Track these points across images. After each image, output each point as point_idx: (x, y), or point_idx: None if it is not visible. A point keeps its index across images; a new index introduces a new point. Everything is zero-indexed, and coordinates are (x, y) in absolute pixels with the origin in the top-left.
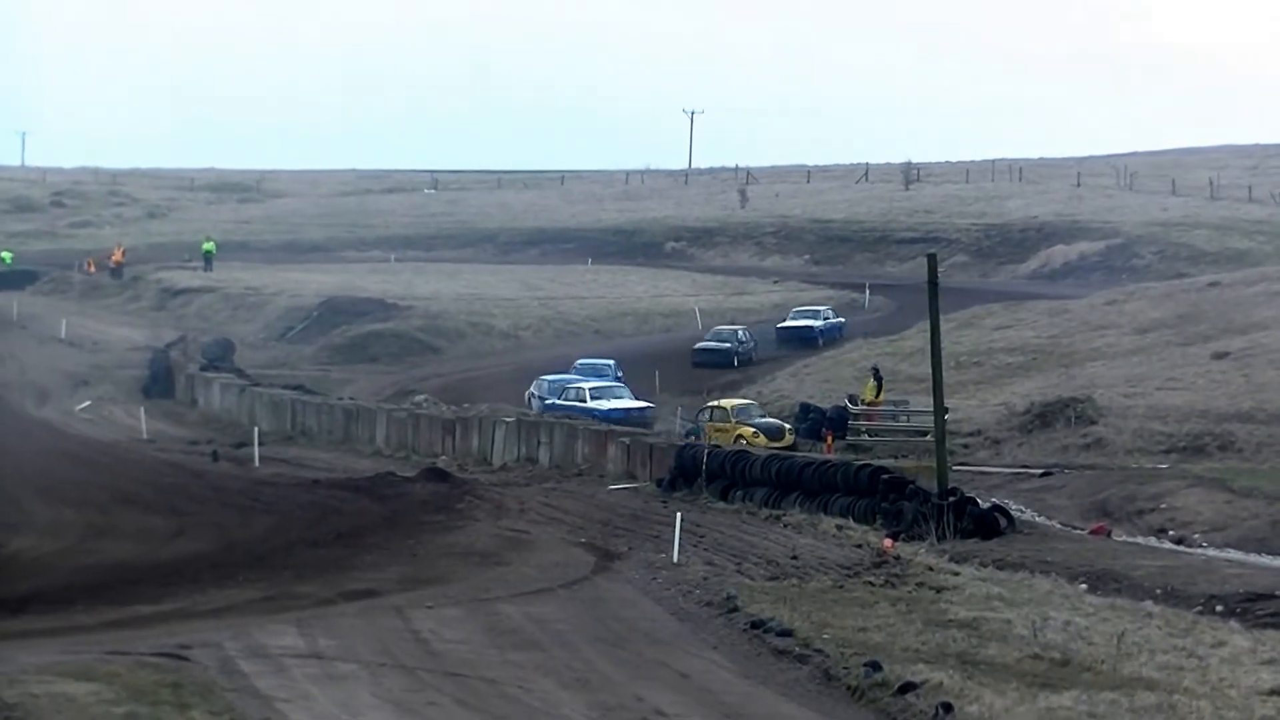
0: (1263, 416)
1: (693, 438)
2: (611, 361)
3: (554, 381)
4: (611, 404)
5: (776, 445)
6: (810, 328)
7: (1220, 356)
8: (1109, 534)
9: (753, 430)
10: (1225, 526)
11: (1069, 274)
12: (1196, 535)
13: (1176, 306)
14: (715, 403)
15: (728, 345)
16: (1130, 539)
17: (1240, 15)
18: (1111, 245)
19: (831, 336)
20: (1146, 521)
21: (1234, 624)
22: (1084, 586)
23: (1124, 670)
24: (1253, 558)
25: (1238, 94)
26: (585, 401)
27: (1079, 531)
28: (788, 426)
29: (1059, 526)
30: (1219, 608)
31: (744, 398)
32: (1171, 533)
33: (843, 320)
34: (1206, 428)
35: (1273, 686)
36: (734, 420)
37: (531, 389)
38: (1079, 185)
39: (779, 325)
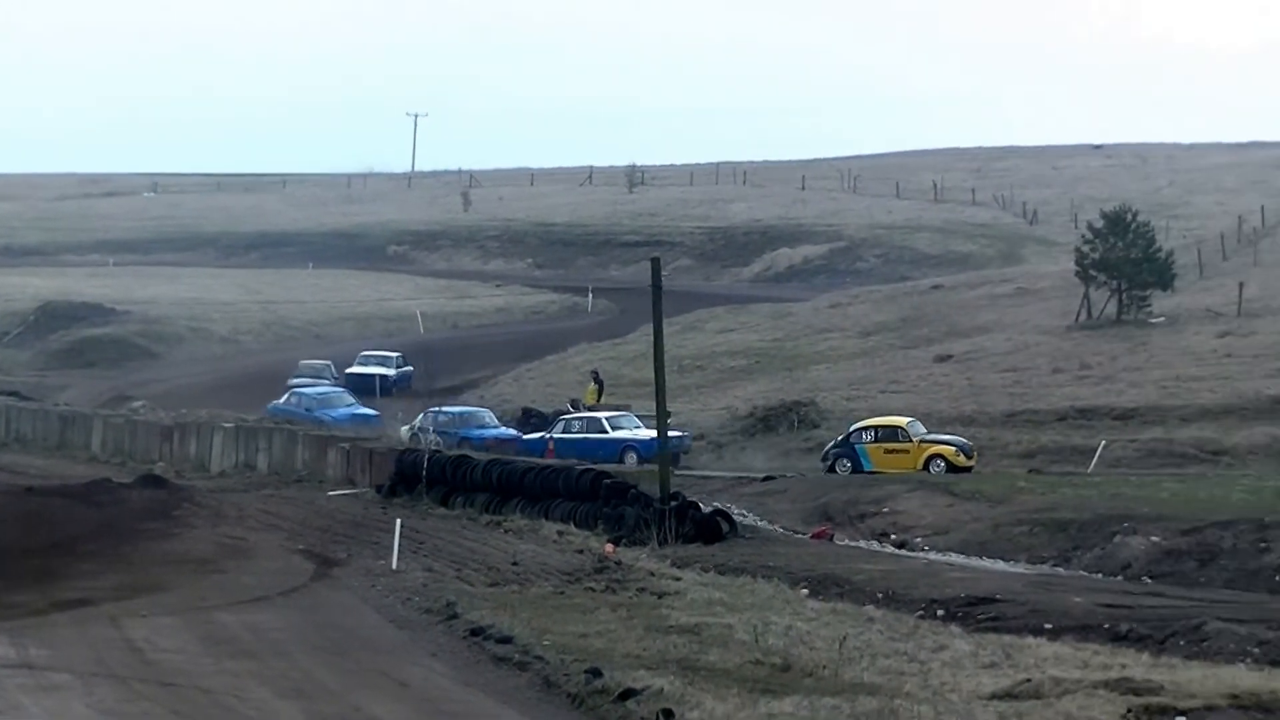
0: (984, 420)
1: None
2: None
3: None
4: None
5: (967, 465)
6: (382, 376)
7: (943, 359)
8: (831, 538)
9: (954, 449)
10: (947, 530)
11: (793, 277)
12: (919, 539)
13: (899, 309)
14: (873, 421)
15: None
16: (852, 543)
17: (962, 19)
18: (835, 248)
19: (403, 385)
20: (869, 525)
21: (955, 628)
22: (806, 591)
23: (846, 675)
24: (974, 561)
25: (960, 97)
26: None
27: (801, 536)
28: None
29: (781, 531)
30: (940, 612)
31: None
32: (894, 537)
33: (411, 369)
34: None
35: (994, 690)
36: (916, 440)
37: (418, 421)
38: (803, 188)
39: (348, 370)
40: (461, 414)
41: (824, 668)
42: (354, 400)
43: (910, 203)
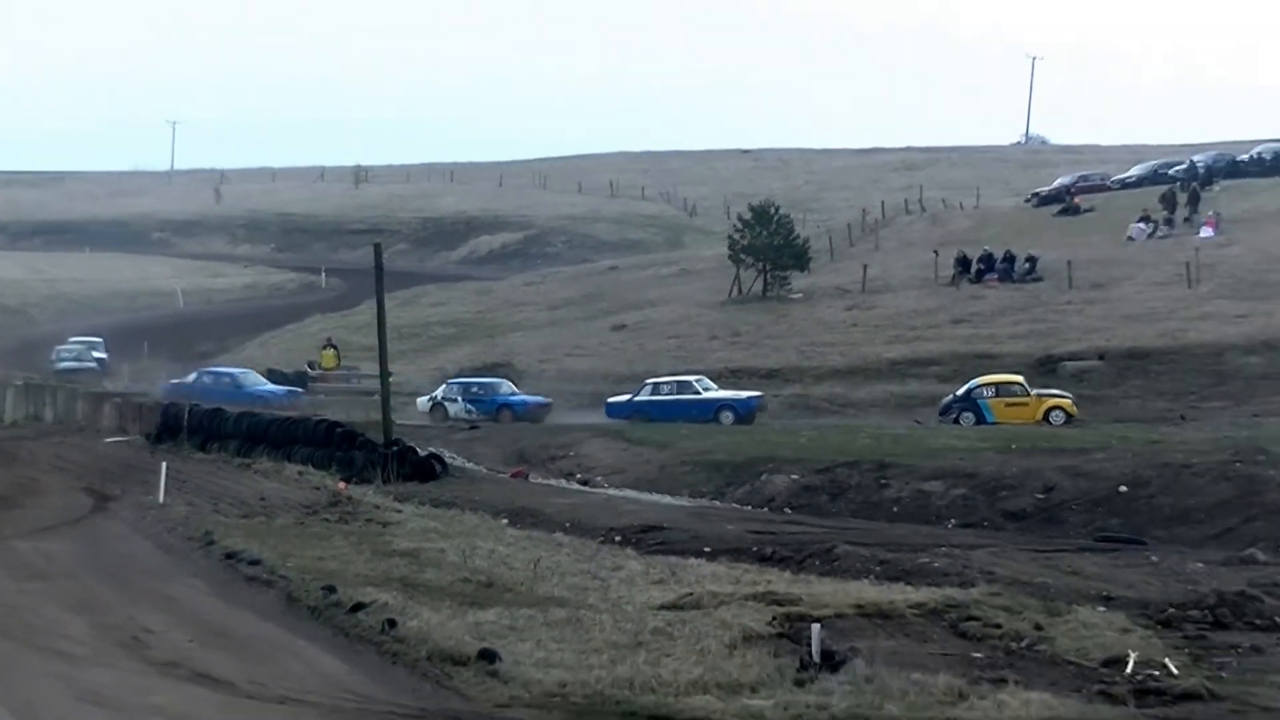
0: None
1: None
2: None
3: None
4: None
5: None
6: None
7: (618, 329)
8: (527, 477)
9: (1069, 401)
10: (623, 470)
11: (493, 260)
12: (599, 478)
13: (582, 287)
14: (993, 378)
15: (89, 364)
16: (545, 481)
17: (628, 39)
18: (529, 235)
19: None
20: (558, 466)
21: (630, 551)
22: (506, 521)
23: (540, 590)
24: (645, 496)
25: (633, 107)
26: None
27: (502, 475)
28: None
29: (485, 471)
30: (618, 538)
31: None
32: (579, 476)
33: (106, 356)
34: (608, 388)
35: (662, 602)
36: (1034, 394)
37: (439, 394)
38: (501, 185)
39: (56, 368)
40: (486, 384)
41: (521, 584)
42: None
43: (591, 198)
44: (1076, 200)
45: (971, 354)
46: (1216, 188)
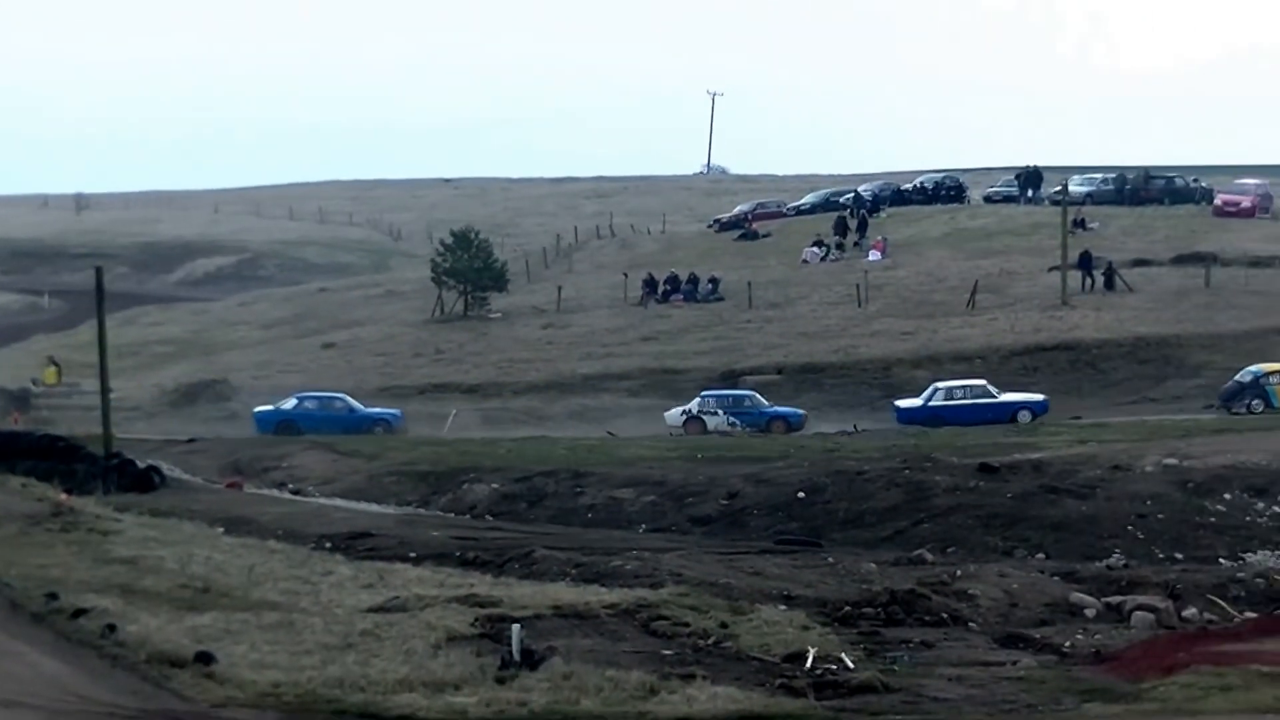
0: (361, 393)
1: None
2: None
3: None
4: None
5: None
6: None
7: (328, 346)
8: (241, 487)
9: None
10: (333, 480)
11: (209, 282)
12: (311, 488)
13: (294, 307)
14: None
15: None
16: (259, 491)
17: (337, 71)
18: (243, 259)
19: None
20: (272, 477)
21: (340, 557)
22: (221, 529)
23: (254, 595)
24: (354, 504)
25: (343, 138)
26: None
27: (218, 486)
28: None
29: (202, 482)
30: (328, 544)
31: None
32: (291, 486)
33: None
34: None
35: (370, 605)
36: None
37: (693, 407)
38: (217, 211)
39: None
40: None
41: (237, 589)
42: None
43: (302, 223)
44: (755, 226)
45: (660, 369)
46: (883, 214)
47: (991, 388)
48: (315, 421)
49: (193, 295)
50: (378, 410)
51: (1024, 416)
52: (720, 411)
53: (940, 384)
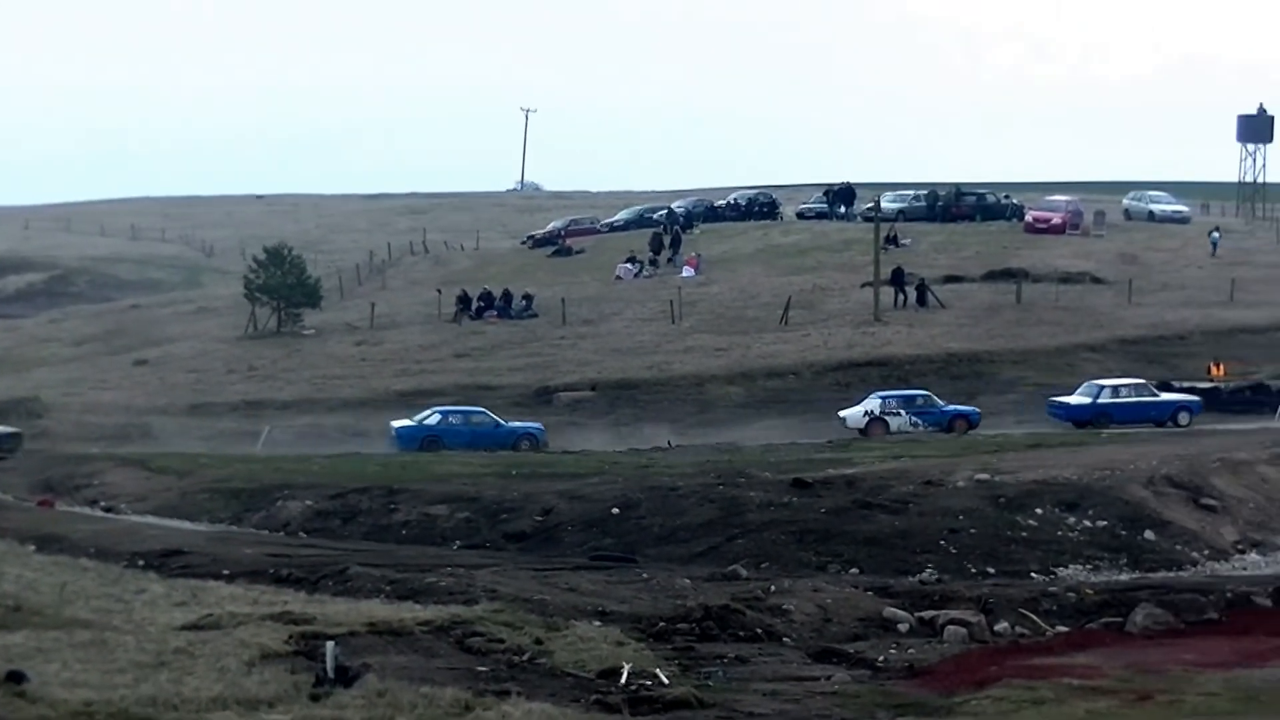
0: (174, 410)
1: None
2: None
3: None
4: None
5: None
6: None
7: (140, 363)
8: (53, 505)
9: None
10: (146, 497)
11: (20, 299)
12: (123, 505)
13: (105, 324)
14: None
15: None
16: (71, 509)
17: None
18: (54, 275)
19: None
20: (84, 495)
21: (153, 574)
22: (33, 547)
23: (66, 613)
24: (167, 522)
25: (153, 153)
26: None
27: (29, 504)
28: None
29: (13, 500)
30: (141, 562)
31: None
32: (103, 503)
33: None
34: (130, 420)
35: (184, 623)
36: None
37: (873, 408)
38: (27, 228)
39: None
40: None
41: (48, 608)
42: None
43: (113, 240)
44: (569, 243)
45: (474, 385)
46: (697, 231)
47: (1151, 386)
48: (461, 436)
49: (3, 312)
50: (522, 424)
51: (1183, 417)
52: (903, 411)
53: (1104, 381)
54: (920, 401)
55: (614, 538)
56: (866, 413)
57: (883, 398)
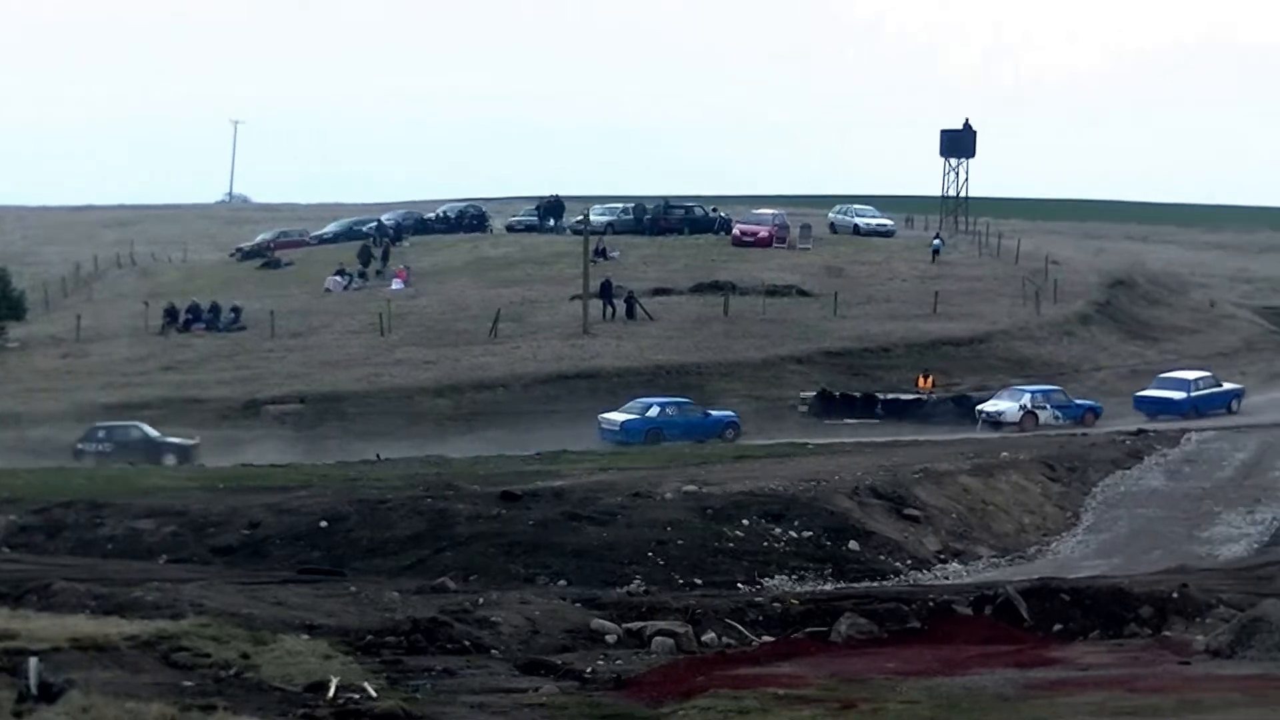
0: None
1: None
2: None
3: None
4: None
5: None
6: None
7: None
8: None
9: None
10: None
11: None
12: None
13: None
14: None
15: None
16: None
17: None
18: None
19: None
20: None
21: None
22: None
23: None
24: None
25: None
26: None
27: None
28: None
29: None
30: None
31: None
32: None
33: None
34: None
35: None
36: None
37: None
38: None
39: None
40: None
41: None
42: None
43: None
44: (277, 255)
45: (181, 398)
46: (406, 243)
47: (1215, 377)
48: (676, 426)
49: None
50: (722, 413)
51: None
52: (1048, 405)
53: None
54: (1059, 396)
55: (322, 551)
56: (1021, 407)
57: (1031, 392)
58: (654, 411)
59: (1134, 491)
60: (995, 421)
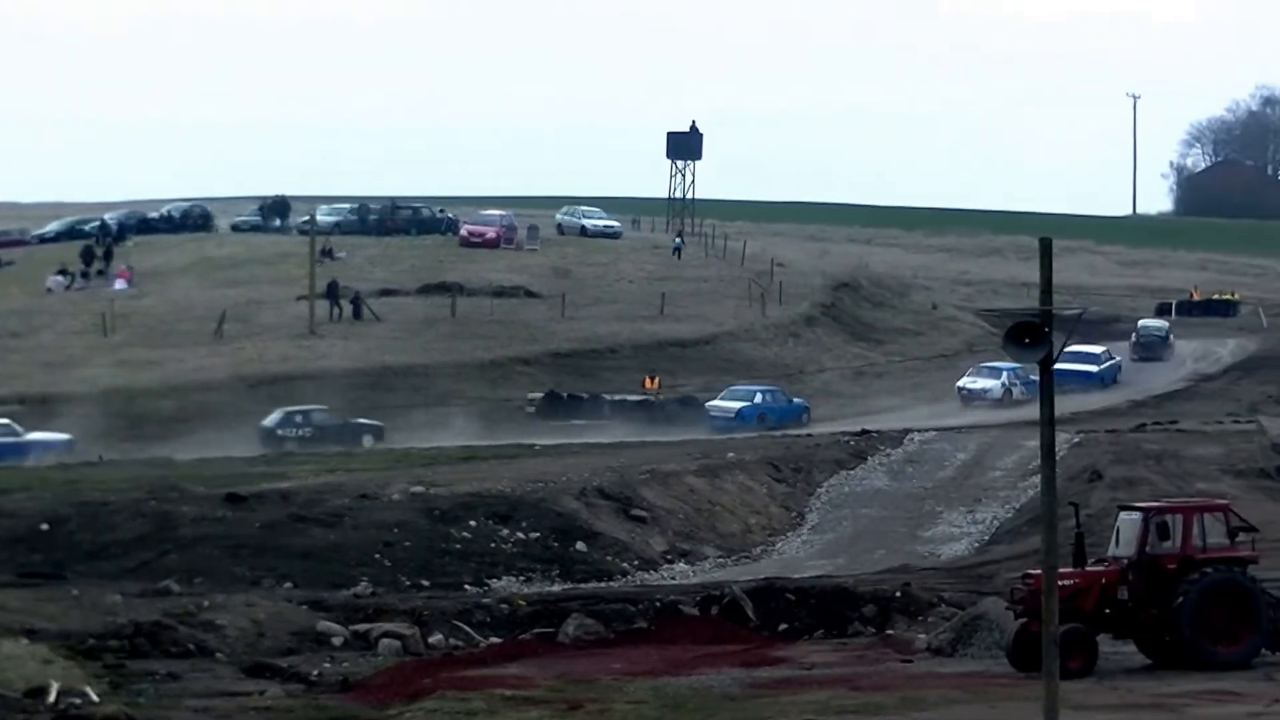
0: None
1: None
2: None
3: None
4: None
5: None
6: None
7: None
8: None
9: None
10: None
11: None
12: None
13: None
14: None
15: None
16: None
17: None
18: None
19: None
20: None
21: None
22: None
23: None
24: None
25: None
26: None
27: None
28: None
29: None
30: None
31: None
32: None
33: None
34: None
35: None
36: None
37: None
38: None
39: None
40: None
41: None
42: None
43: None
44: None
45: None
46: (130, 243)
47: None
48: (775, 413)
49: None
50: (800, 400)
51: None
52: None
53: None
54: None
55: (43, 554)
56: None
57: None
58: (759, 399)
59: (858, 491)
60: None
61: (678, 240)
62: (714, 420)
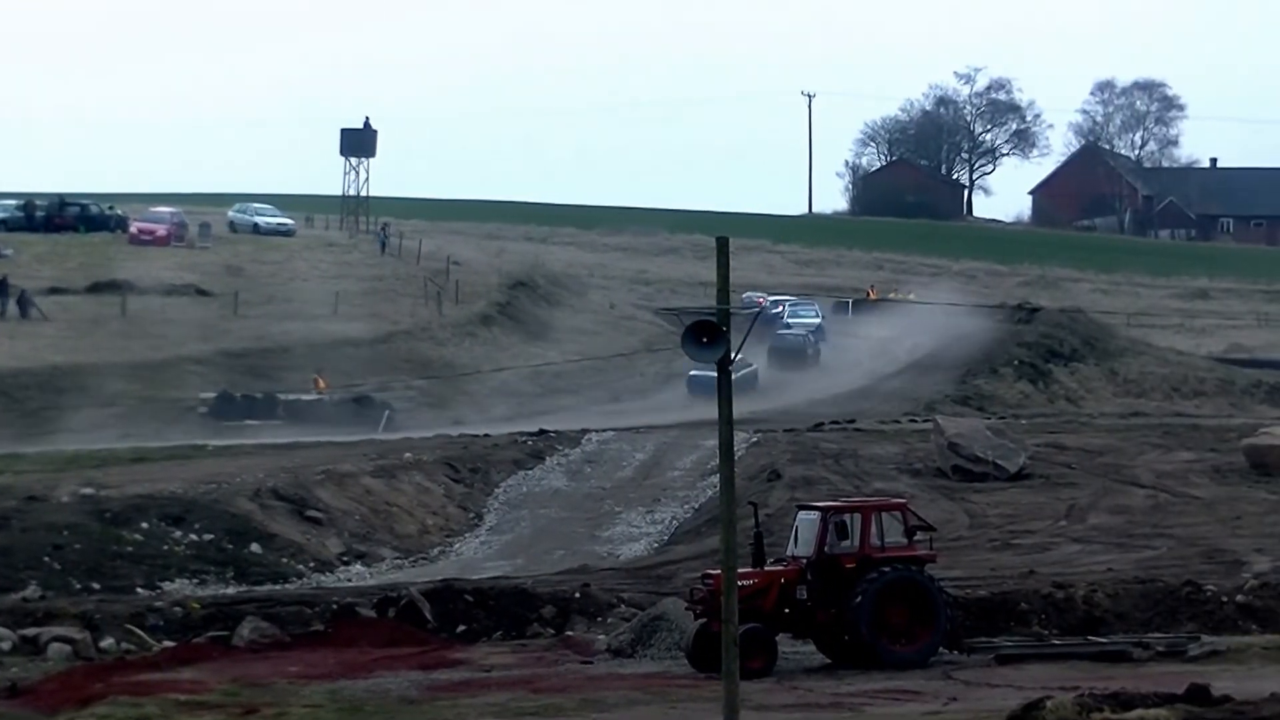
0: None
1: None
2: None
3: None
4: None
5: None
6: None
7: None
8: None
9: None
10: None
11: None
12: None
13: None
14: None
15: None
16: None
17: None
18: None
19: None
20: None
21: None
22: None
23: None
24: None
25: None
26: None
27: None
28: None
29: None
30: None
31: None
32: None
33: None
34: None
35: None
36: None
37: None
38: None
39: None
40: None
41: None
42: None
43: None
44: None
45: None
46: None
47: None
48: None
49: None
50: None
51: None
52: None
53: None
54: None
55: None
56: None
57: None
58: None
59: (536, 492)
60: None
61: (383, 234)
62: None
